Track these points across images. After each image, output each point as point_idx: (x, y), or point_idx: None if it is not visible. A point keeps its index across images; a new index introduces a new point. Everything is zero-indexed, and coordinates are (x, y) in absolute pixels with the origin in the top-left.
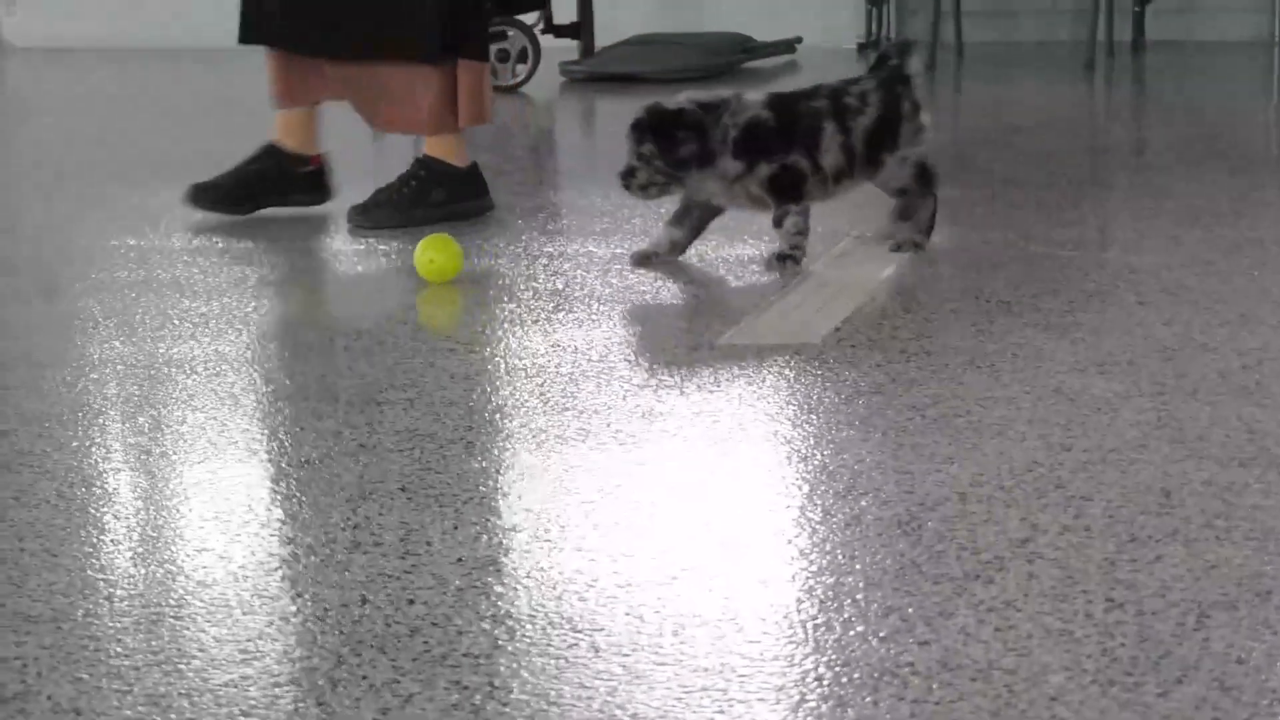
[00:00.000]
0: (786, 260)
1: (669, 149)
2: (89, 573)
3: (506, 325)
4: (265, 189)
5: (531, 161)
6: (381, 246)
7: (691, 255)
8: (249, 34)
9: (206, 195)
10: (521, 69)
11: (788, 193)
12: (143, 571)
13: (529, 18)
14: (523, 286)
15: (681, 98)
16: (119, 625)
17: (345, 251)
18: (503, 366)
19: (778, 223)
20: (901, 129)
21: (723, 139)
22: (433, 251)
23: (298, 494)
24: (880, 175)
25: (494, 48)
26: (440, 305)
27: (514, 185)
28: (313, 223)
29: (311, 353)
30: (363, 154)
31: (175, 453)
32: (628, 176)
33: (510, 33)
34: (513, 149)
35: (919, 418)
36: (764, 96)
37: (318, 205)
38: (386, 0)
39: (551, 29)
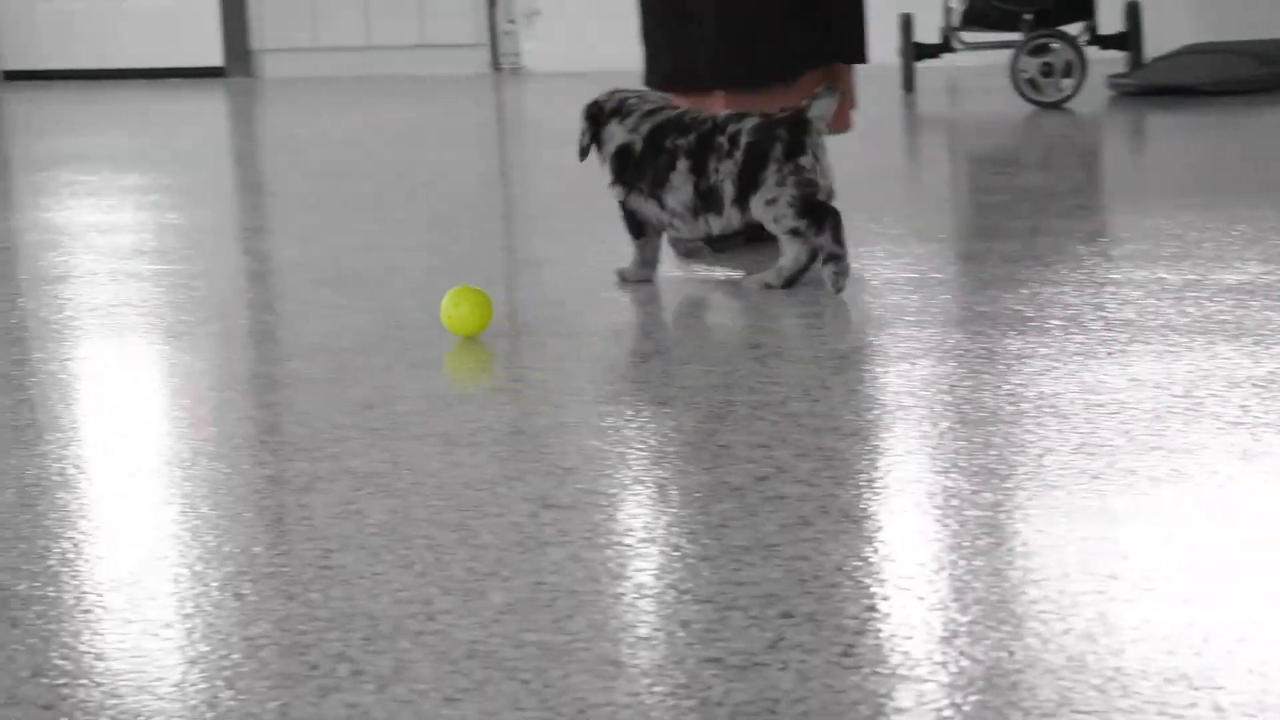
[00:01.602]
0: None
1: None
2: (670, 621)
3: (1079, 359)
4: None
5: (1084, 182)
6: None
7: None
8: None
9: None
10: (1067, 83)
11: (629, 228)
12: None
13: (1074, 29)
14: (1091, 316)
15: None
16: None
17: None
18: (1080, 403)
19: None
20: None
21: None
22: (460, 304)
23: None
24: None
25: (1038, 61)
26: (1004, 336)
27: (1068, 207)
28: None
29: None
30: None
31: (777, 486)
32: None
33: (1055, 45)
34: (1063, 168)
35: None
36: (646, 117)
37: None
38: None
39: (1097, 40)
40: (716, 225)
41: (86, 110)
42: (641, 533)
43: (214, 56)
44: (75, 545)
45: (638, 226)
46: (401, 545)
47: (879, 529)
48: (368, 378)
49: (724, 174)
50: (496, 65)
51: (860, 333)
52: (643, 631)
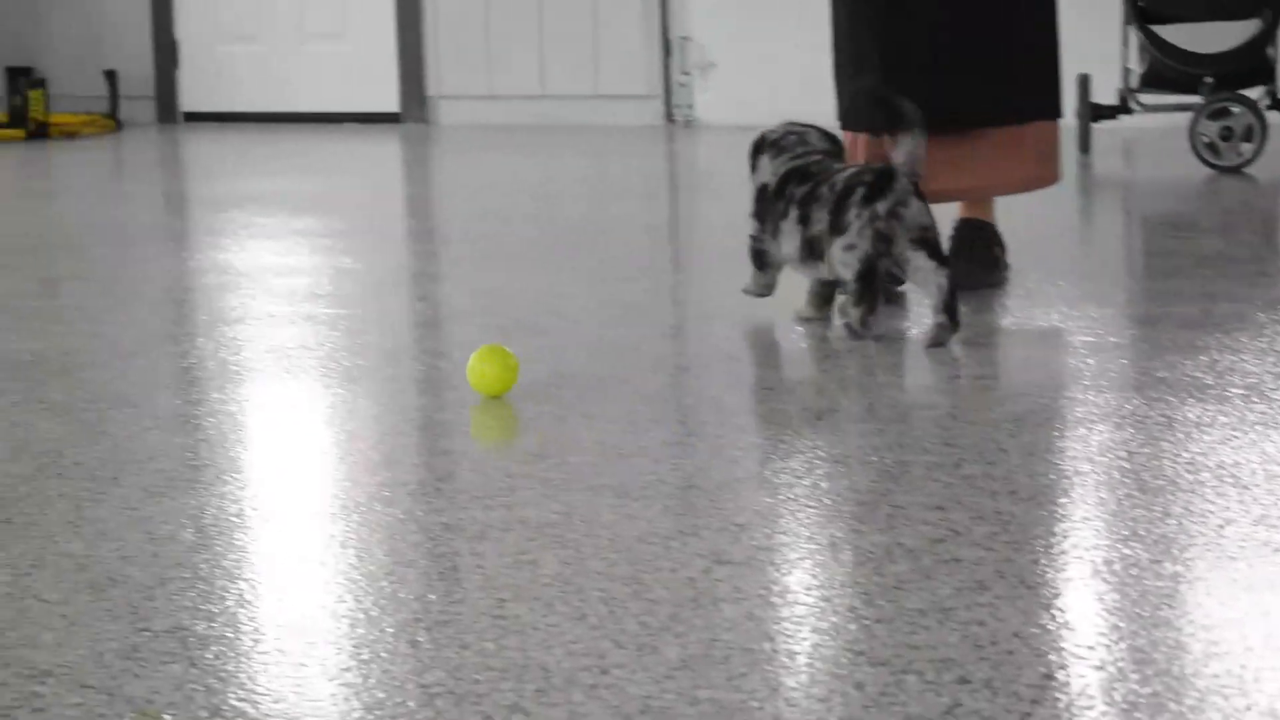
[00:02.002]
0: None
1: None
2: (843, 682)
3: (1260, 428)
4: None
5: (1264, 248)
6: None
7: None
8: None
9: None
10: (1247, 148)
11: (752, 259)
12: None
13: (1254, 93)
14: (1272, 385)
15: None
16: None
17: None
18: (1261, 473)
19: None
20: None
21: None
22: (488, 363)
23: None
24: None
25: (1217, 125)
26: (1183, 403)
27: (1248, 274)
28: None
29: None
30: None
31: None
32: None
33: (1235, 109)
34: (1242, 234)
35: None
36: (787, 161)
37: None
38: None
39: (1278, 105)
40: (825, 271)
41: (263, 153)
42: (816, 592)
43: (390, 102)
44: (252, 586)
45: (760, 260)
46: (575, 597)
47: (1056, 595)
48: (540, 427)
49: (821, 223)
50: (670, 117)
51: (1036, 395)
52: (817, 692)
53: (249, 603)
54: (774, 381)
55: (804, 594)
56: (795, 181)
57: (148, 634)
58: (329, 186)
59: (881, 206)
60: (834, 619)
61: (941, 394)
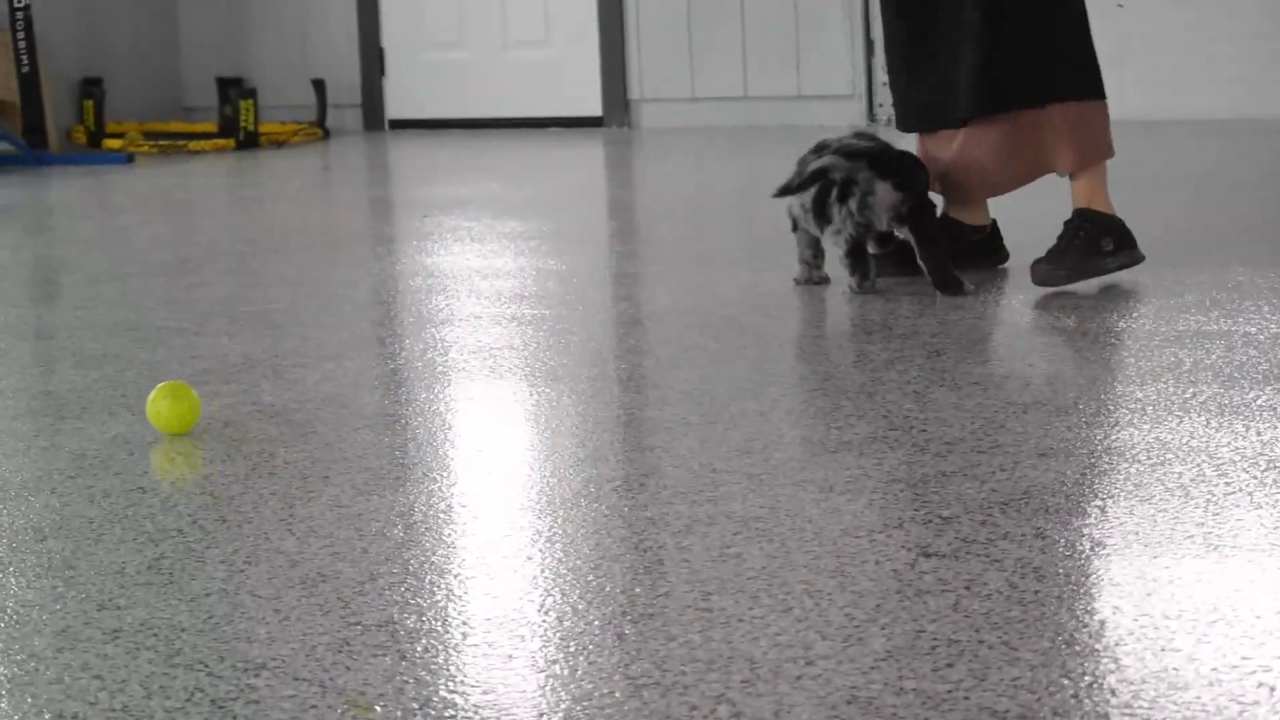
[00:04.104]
0: None
1: None
2: (1051, 670)
3: None
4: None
5: None
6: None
7: None
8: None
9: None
10: None
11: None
12: (1126, 671)
13: None
14: None
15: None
16: None
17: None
18: None
19: None
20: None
21: None
22: (166, 400)
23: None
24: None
25: None
26: None
27: None
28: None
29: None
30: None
31: (1108, 543)
32: None
33: None
34: None
35: None
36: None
37: (1000, 265)
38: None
39: None
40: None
41: (467, 158)
42: (1022, 584)
43: (593, 106)
44: (460, 581)
45: (792, 221)
46: (780, 589)
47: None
48: (744, 424)
49: (801, 203)
50: (872, 117)
51: (1247, 388)
52: (1024, 683)
53: (458, 597)
54: (980, 376)
55: (1009, 586)
56: (810, 153)
57: (359, 628)
58: (533, 190)
59: (853, 204)
60: (1040, 611)
61: (1147, 388)
